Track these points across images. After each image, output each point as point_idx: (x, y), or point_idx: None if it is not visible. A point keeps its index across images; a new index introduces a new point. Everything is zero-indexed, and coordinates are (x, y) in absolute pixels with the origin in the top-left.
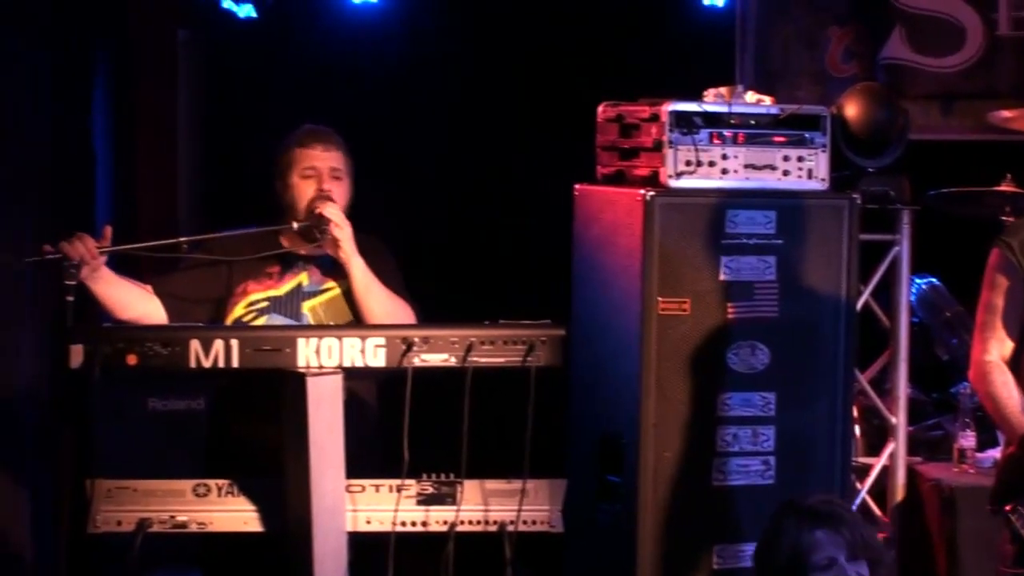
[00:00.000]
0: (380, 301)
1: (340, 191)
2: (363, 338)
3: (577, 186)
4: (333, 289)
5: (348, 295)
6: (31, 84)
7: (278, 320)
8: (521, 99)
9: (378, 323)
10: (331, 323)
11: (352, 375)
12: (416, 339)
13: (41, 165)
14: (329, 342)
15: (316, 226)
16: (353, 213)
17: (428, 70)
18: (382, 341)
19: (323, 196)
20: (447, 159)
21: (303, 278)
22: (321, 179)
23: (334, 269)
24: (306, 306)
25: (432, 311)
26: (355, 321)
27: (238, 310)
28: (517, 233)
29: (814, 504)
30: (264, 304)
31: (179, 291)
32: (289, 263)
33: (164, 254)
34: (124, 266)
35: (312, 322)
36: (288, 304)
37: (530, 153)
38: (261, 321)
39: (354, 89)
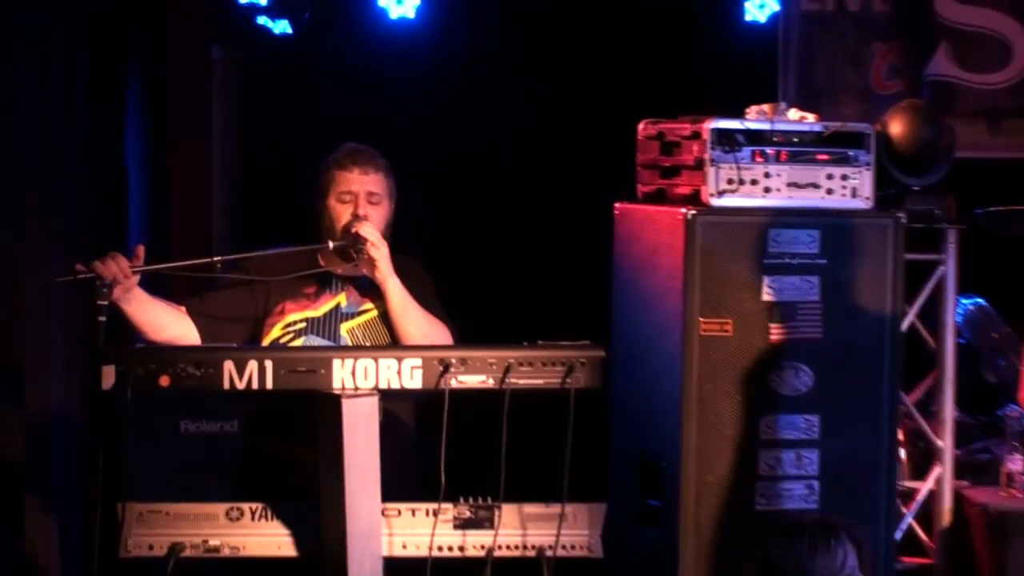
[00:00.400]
0: (417, 322)
1: (377, 215)
2: (399, 359)
3: (617, 205)
4: (371, 311)
5: (386, 316)
6: (66, 101)
7: (316, 342)
8: (560, 116)
9: (415, 344)
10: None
11: (388, 397)
12: (453, 360)
13: (74, 183)
14: (365, 363)
15: (352, 245)
16: (393, 233)
17: (465, 87)
18: (419, 362)
19: (358, 218)
20: (485, 177)
21: (341, 299)
22: (357, 204)
23: (372, 290)
24: (344, 327)
25: (470, 332)
26: (392, 342)
27: (276, 331)
28: (556, 252)
29: (834, 519)
30: (302, 325)
31: (213, 311)
32: (326, 283)
33: (198, 274)
34: (157, 286)
35: (350, 344)
36: (326, 325)
37: (569, 171)
38: (299, 342)
39: (390, 106)
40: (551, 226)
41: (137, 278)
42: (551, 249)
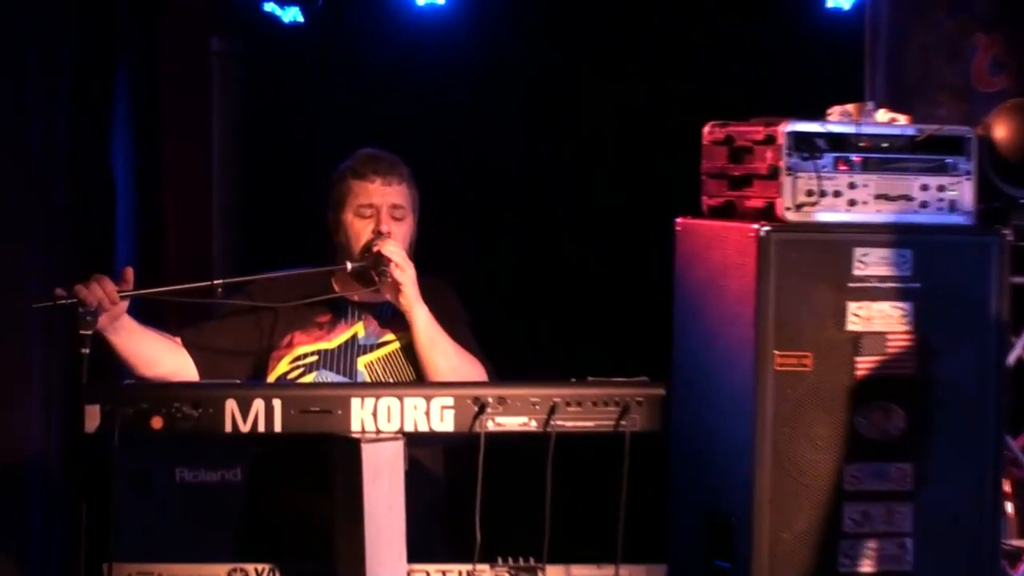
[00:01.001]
0: (447, 355)
1: (401, 232)
2: (428, 398)
3: (679, 220)
4: (393, 343)
5: (409, 349)
6: (45, 105)
7: (329, 378)
8: (613, 118)
9: (445, 381)
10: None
11: (415, 441)
12: (490, 399)
13: (53, 194)
14: (388, 403)
15: (373, 267)
16: (415, 253)
17: (502, 84)
18: (450, 402)
19: (381, 235)
20: (524, 188)
21: (359, 329)
22: (379, 219)
23: (394, 319)
24: (362, 362)
25: (508, 367)
26: (418, 379)
27: (282, 366)
28: (608, 274)
29: None
30: (313, 359)
31: (213, 343)
32: (342, 311)
33: (195, 299)
34: (148, 313)
35: (369, 380)
36: (341, 359)
37: (624, 181)
38: (310, 378)
39: (416, 106)
40: (602, 244)
41: (125, 304)
42: (603, 270)
